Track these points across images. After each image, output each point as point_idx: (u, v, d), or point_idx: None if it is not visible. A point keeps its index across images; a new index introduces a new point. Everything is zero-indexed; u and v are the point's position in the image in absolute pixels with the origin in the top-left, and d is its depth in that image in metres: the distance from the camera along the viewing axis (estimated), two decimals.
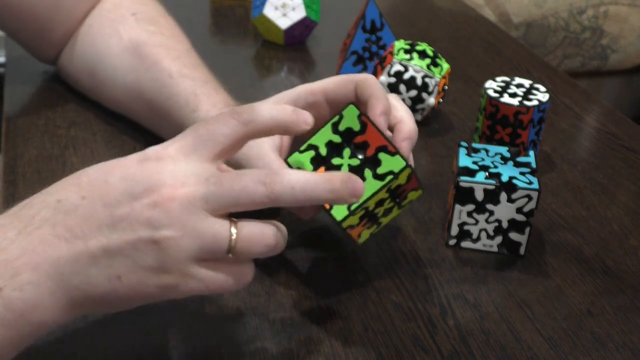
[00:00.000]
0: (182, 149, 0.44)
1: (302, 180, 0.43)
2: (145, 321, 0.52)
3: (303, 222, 0.60)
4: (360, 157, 0.50)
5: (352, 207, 0.49)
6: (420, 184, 0.53)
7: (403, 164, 0.49)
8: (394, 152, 0.49)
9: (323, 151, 0.50)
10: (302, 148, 0.50)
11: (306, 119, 0.46)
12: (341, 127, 0.50)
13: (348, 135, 0.50)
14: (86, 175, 0.44)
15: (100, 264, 0.42)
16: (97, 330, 0.51)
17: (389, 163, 0.49)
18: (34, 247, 0.41)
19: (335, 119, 0.50)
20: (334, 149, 0.50)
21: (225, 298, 0.54)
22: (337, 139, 0.50)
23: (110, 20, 0.74)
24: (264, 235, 0.43)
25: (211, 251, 0.42)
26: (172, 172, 0.43)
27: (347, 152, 0.50)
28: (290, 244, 0.60)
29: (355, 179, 0.44)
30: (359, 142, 0.50)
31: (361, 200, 0.49)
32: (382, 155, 0.49)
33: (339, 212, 0.49)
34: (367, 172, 0.49)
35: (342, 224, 0.49)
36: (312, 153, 0.50)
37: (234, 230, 0.43)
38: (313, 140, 0.50)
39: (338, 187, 0.44)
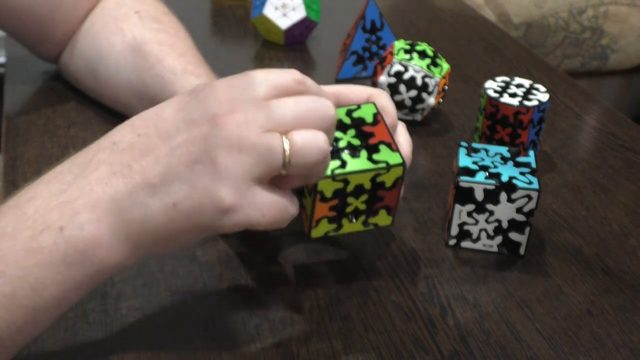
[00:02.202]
0: (241, 83, 0.44)
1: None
2: (145, 321, 0.52)
3: (323, 237, 0.60)
4: (363, 192, 0.50)
5: (335, 172, 0.48)
6: (394, 215, 0.52)
7: (400, 160, 0.49)
8: (394, 149, 0.49)
9: (332, 214, 0.51)
10: (314, 225, 0.51)
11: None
12: (355, 115, 0.51)
13: (358, 123, 0.50)
14: (139, 117, 0.45)
15: (158, 193, 0.43)
16: (96, 326, 0.51)
17: (386, 155, 0.49)
18: (91, 186, 0.43)
19: (353, 107, 0.51)
20: (341, 127, 0.50)
21: (225, 297, 0.54)
22: (347, 120, 0.51)
23: (113, 19, 0.74)
24: (316, 139, 0.43)
25: (267, 165, 0.42)
26: (228, 95, 0.43)
27: (351, 132, 0.50)
28: (290, 244, 0.60)
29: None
30: (366, 131, 0.50)
31: (346, 170, 0.48)
32: (382, 147, 0.50)
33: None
34: (363, 153, 0.49)
35: (317, 186, 0.48)
36: (325, 220, 0.51)
37: (286, 141, 0.43)
38: (316, 216, 0.51)
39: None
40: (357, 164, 0.49)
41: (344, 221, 0.52)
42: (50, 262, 0.42)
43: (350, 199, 0.50)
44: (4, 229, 0.42)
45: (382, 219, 0.52)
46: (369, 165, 0.49)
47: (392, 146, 0.50)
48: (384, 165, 0.49)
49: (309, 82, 0.46)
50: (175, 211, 0.43)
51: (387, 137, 0.50)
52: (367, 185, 0.50)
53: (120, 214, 0.43)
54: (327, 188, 0.49)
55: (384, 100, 0.54)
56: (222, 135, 0.42)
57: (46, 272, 0.42)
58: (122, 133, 0.44)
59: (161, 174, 0.42)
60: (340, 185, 0.49)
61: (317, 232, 0.52)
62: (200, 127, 0.42)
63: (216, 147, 0.42)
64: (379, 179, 0.50)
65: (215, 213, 0.42)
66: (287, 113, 0.43)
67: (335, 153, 0.49)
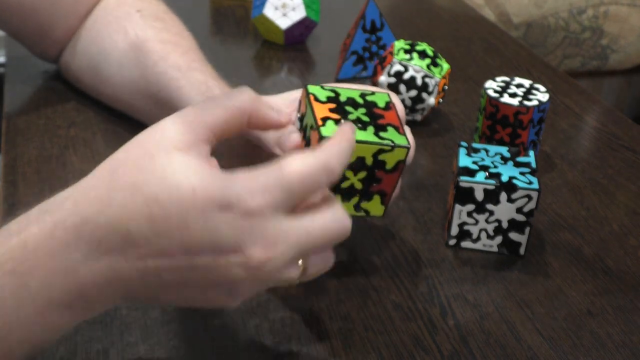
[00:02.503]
0: (272, 203, 0.41)
1: (342, 159, 0.43)
2: (145, 321, 0.52)
3: None
4: (363, 168, 0.50)
5: None
6: (387, 206, 0.51)
7: (405, 142, 0.49)
8: (402, 133, 0.49)
9: (343, 98, 0.50)
10: (326, 87, 0.50)
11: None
12: (368, 98, 0.51)
13: (370, 104, 0.51)
14: (159, 206, 0.40)
15: (171, 291, 0.42)
16: (97, 326, 0.51)
17: (393, 135, 0.49)
18: (104, 273, 0.41)
19: (368, 91, 0.51)
20: (352, 104, 0.50)
21: None
22: (360, 100, 0.51)
23: (115, 17, 0.74)
24: (326, 265, 0.45)
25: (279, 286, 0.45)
26: (262, 232, 0.41)
27: (362, 110, 0.50)
28: None
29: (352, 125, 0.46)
30: (377, 113, 0.50)
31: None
32: (390, 128, 0.49)
33: (328, 130, 0.48)
34: (370, 128, 0.49)
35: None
36: (331, 93, 0.50)
37: (301, 266, 0.44)
38: (338, 89, 0.50)
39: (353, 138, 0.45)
40: (363, 135, 0.48)
41: (337, 198, 0.49)
42: None
43: (348, 173, 0.49)
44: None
45: (375, 206, 0.51)
46: (374, 139, 0.48)
47: (400, 130, 0.50)
48: (389, 142, 0.48)
49: (324, 180, 0.43)
50: (185, 301, 0.44)
51: (396, 122, 0.50)
52: (369, 160, 0.49)
53: (128, 294, 0.43)
54: (320, 94, 0.49)
55: (394, 98, 0.54)
56: (250, 274, 0.41)
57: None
58: (138, 221, 0.40)
59: (178, 282, 0.42)
60: (331, 94, 0.49)
61: None
62: (228, 261, 0.41)
63: (241, 282, 0.42)
64: (380, 157, 0.49)
65: (225, 303, 0.44)
66: (313, 244, 0.43)
67: (338, 118, 0.49)
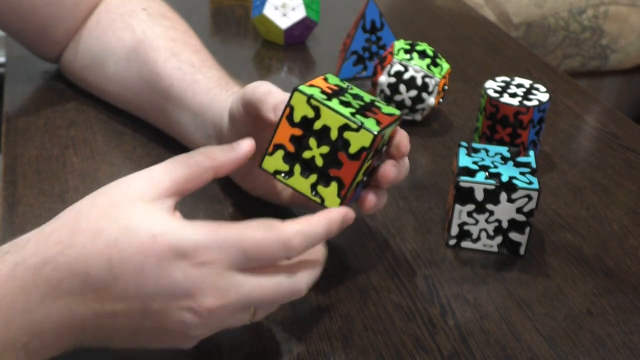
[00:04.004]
0: (224, 261, 0.43)
1: (305, 242, 0.45)
2: None
3: (271, 177, 0.60)
4: (326, 141, 0.49)
5: (315, 96, 0.48)
6: (344, 200, 0.50)
7: (376, 129, 0.48)
8: (380, 126, 0.48)
9: (290, 147, 0.49)
10: (270, 150, 0.50)
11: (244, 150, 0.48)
12: (296, 119, 0.49)
13: (306, 124, 0.49)
14: (118, 249, 0.42)
15: (125, 335, 0.44)
16: None
17: (369, 122, 0.48)
18: (61, 313, 0.42)
19: (287, 111, 0.49)
20: (299, 142, 0.49)
21: None
22: (297, 131, 0.49)
23: (120, 15, 0.74)
24: (274, 308, 0.47)
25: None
26: (214, 283, 0.42)
27: (312, 141, 0.49)
28: None
29: (349, 215, 0.47)
30: (320, 128, 0.49)
31: (324, 102, 0.48)
32: (347, 134, 0.48)
33: (270, 162, 0.50)
34: (350, 109, 0.48)
35: (291, 99, 0.49)
36: (281, 152, 0.50)
37: (251, 316, 0.46)
38: (276, 139, 0.50)
39: (336, 228, 0.46)
40: (337, 106, 0.48)
41: (296, 169, 0.50)
42: None
43: (312, 142, 0.49)
44: None
45: (331, 196, 0.50)
46: (346, 113, 0.48)
47: (381, 125, 0.49)
48: (358, 122, 0.48)
49: (294, 248, 0.45)
50: (138, 342, 0.45)
51: (384, 120, 0.49)
52: (334, 133, 0.48)
53: (84, 335, 0.44)
54: (298, 108, 0.48)
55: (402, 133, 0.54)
56: (202, 320, 0.43)
57: None
58: (97, 265, 0.42)
59: (133, 326, 0.43)
60: (311, 113, 0.48)
61: (268, 164, 0.50)
62: (180, 306, 0.42)
63: (193, 327, 0.43)
64: (346, 134, 0.48)
65: (178, 343, 0.45)
66: (264, 298, 0.44)
67: (333, 94, 0.49)
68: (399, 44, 0.77)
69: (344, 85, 0.52)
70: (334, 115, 0.48)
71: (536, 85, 0.72)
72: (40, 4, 0.74)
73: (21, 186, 0.65)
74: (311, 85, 0.50)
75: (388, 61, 0.75)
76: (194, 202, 0.63)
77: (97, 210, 0.43)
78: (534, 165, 0.60)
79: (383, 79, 0.75)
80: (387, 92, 0.75)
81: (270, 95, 0.52)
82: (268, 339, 0.51)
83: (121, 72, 0.73)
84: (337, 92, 0.50)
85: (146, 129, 0.73)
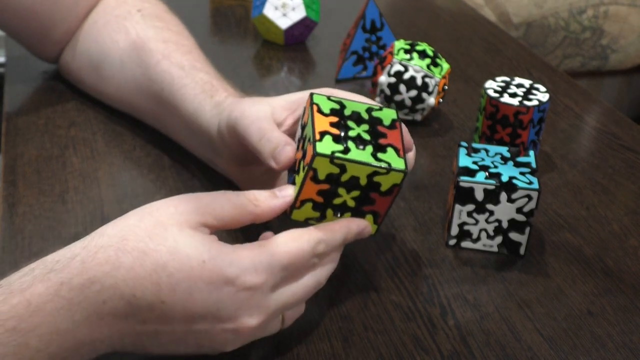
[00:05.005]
0: (268, 282, 0.45)
1: (328, 249, 0.48)
2: None
3: (302, 222, 0.60)
4: (356, 187, 0.48)
5: (336, 154, 0.46)
6: (380, 225, 0.51)
7: (403, 167, 0.47)
8: (401, 156, 0.48)
9: (319, 199, 0.49)
10: (297, 205, 0.49)
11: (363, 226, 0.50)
12: (321, 177, 0.48)
13: (375, 121, 0.50)
14: (167, 274, 0.42)
15: (161, 347, 0.45)
16: None
17: (392, 158, 0.48)
18: (103, 331, 0.42)
19: (375, 107, 0.50)
20: (357, 120, 0.49)
21: None
22: (365, 116, 0.50)
23: (115, 17, 0.74)
24: (301, 310, 0.50)
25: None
26: (258, 305, 0.45)
27: (342, 190, 0.48)
28: None
29: (367, 230, 0.50)
30: (380, 131, 0.49)
31: (346, 156, 0.47)
32: (390, 150, 0.48)
33: (324, 147, 0.47)
34: (369, 148, 0.48)
35: (313, 163, 0.46)
36: (310, 204, 0.49)
37: (282, 321, 0.48)
38: (303, 196, 0.49)
39: (351, 238, 0.49)
40: (360, 155, 0.47)
41: (328, 212, 0.49)
42: None
43: (341, 190, 0.48)
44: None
45: (368, 220, 0.51)
46: (371, 160, 0.47)
47: (400, 153, 0.48)
48: (385, 165, 0.47)
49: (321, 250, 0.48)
50: (172, 352, 0.46)
51: (398, 143, 0.49)
52: (363, 180, 0.48)
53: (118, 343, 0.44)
54: (322, 168, 0.47)
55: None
56: (240, 337, 0.45)
57: None
58: (144, 288, 0.42)
59: (171, 342, 0.44)
60: (335, 170, 0.47)
61: (298, 215, 0.50)
62: (223, 329, 0.44)
63: (232, 344, 0.46)
64: (375, 178, 0.48)
65: (215, 349, 0.47)
66: (297, 303, 0.48)
67: (343, 139, 0.48)
68: (399, 44, 0.77)
69: (336, 105, 0.50)
70: (360, 167, 0.47)
71: (536, 85, 0.72)
72: (40, 3, 0.74)
73: (21, 186, 0.65)
74: (321, 135, 0.48)
75: (388, 61, 0.75)
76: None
77: (143, 230, 0.43)
78: (534, 165, 0.60)
79: (383, 79, 0.75)
80: (387, 92, 0.75)
81: (264, 139, 0.52)
82: (268, 339, 0.51)
83: (116, 75, 0.73)
84: (342, 127, 0.49)
85: (146, 130, 0.73)
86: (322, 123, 0.48)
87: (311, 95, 0.50)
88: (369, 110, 0.50)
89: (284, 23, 0.93)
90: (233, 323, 0.44)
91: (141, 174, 0.68)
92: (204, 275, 0.43)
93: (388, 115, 0.50)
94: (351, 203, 0.49)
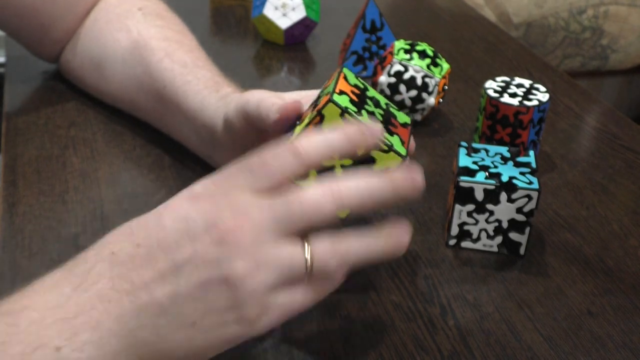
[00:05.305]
0: (238, 185, 0.40)
1: (363, 184, 0.41)
2: None
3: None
4: (384, 121, 0.49)
5: (348, 109, 0.46)
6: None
7: (403, 152, 0.48)
8: (405, 147, 0.49)
9: (370, 94, 0.50)
10: (361, 79, 0.50)
11: (376, 132, 0.43)
12: (391, 109, 0.50)
13: (390, 115, 0.50)
14: (137, 222, 0.41)
15: (169, 313, 0.39)
16: None
17: (396, 142, 0.48)
18: (93, 303, 0.39)
19: (317, 118, 0.47)
20: (375, 103, 0.50)
21: None
22: (383, 104, 0.50)
23: (116, 15, 0.74)
24: (342, 253, 0.41)
25: (289, 278, 0.40)
26: (229, 204, 0.40)
27: (380, 111, 0.49)
28: None
29: (415, 173, 0.42)
30: (392, 121, 0.50)
31: (356, 116, 0.46)
32: (396, 137, 0.49)
33: (340, 99, 0.46)
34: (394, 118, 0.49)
35: (325, 108, 0.46)
36: (361, 85, 0.50)
37: (308, 251, 0.40)
38: (370, 87, 0.51)
39: (399, 184, 0.42)
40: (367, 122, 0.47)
41: (312, 173, 0.47)
42: None
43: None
44: None
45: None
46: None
47: (405, 145, 0.49)
48: (389, 143, 0.47)
49: (312, 153, 0.41)
50: (195, 329, 0.39)
51: (405, 138, 0.50)
52: (382, 104, 0.49)
53: (128, 336, 0.39)
54: (330, 117, 0.46)
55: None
56: (233, 253, 0.39)
57: None
58: (120, 242, 0.40)
59: (171, 294, 0.39)
60: (360, 85, 0.49)
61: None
62: (203, 243, 0.39)
63: (229, 268, 0.39)
64: (373, 153, 0.47)
65: (238, 327, 0.40)
66: (292, 213, 0.40)
67: (358, 104, 0.48)
68: (399, 44, 0.77)
69: (362, 85, 0.51)
70: (378, 94, 0.49)
71: (536, 85, 0.72)
72: (40, 2, 0.74)
73: (21, 186, 0.65)
74: (341, 92, 0.48)
75: (388, 61, 0.75)
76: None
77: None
78: (534, 165, 0.60)
79: (383, 79, 0.75)
80: (387, 92, 0.75)
81: (274, 106, 0.51)
82: (268, 339, 0.51)
83: (118, 73, 0.73)
84: (361, 99, 0.49)
85: (146, 129, 0.73)
86: (345, 87, 0.49)
87: (328, 101, 0.48)
88: (388, 105, 0.52)
89: (284, 23, 0.93)
90: (210, 232, 0.39)
91: (141, 174, 0.68)
92: (169, 204, 0.41)
93: (403, 117, 0.52)
94: (339, 170, 0.48)
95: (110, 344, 0.38)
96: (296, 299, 0.41)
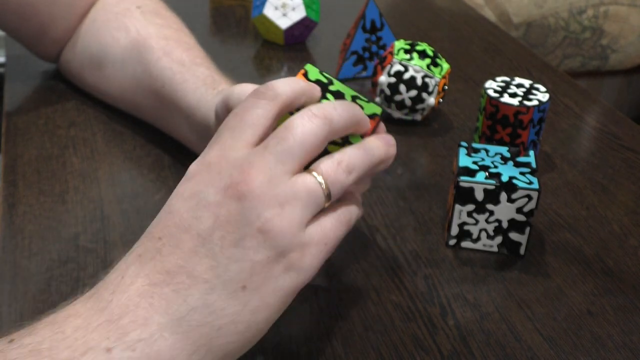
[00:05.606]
0: (224, 146, 0.41)
1: (340, 103, 0.44)
2: None
3: None
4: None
5: (324, 72, 0.48)
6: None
7: (380, 109, 0.49)
8: (367, 100, 0.49)
9: (332, 88, 0.49)
10: (326, 74, 0.50)
11: (317, 88, 0.46)
12: (358, 102, 0.49)
13: (321, 86, 0.49)
14: (152, 224, 0.41)
15: (216, 286, 0.39)
16: None
17: (369, 108, 0.49)
18: (136, 302, 0.38)
19: (363, 97, 0.50)
20: (337, 97, 0.50)
21: None
22: (347, 99, 0.50)
23: (115, 14, 0.74)
24: (347, 163, 0.43)
25: (314, 205, 0.41)
26: (230, 164, 0.40)
27: (330, 97, 0.49)
28: None
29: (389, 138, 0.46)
30: (335, 91, 0.49)
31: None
32: (360, 102, 0.49)
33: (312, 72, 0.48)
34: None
35: (304, 67, 0.48)
36: (324, 80, 0.49)
37: (318, 176, 0.41)
38: (336, 81, 0.50)
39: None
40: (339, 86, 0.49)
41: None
42: None
43: (330, 97, 0.49)
44: (39, 345, 0.36)
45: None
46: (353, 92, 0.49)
47: (366, 135, 0.49)
48: (365, 99, 0.49)
49: (280, 92, 0.43)
50: (247, 292, 0.39)
51: (371, 126, 0.49)
52: (348, 98, 0.49)
53: (181, 324, 0.38)
54: (312, 73, 0.48)
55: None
56: (255, 202, 0.39)
57: None
58: (143, 244, 0.40)
59: (210, 266, 0.38)
60: (324, 79, 0.48)
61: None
62: (222, 205, 0.39)
63: (256, 218, 0.39)
64: (358, 101, 0.48)
65: (291, 273, 0.40)
66: (293, 146, 0.41)
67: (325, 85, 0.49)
68: (399, 44, 0.77)
69: (325, 80, 0.50)
70: (345, 87, 0.48)
71: (536, 85, 0.72)
72: (39, 3, 0.74)
73: (21, 186, 0.65)
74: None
75: (388, 61, 0.75)
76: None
77: None
78: (534, 165, 0.60)
79: (383, 79, 0.75)
80: (387, 92, 0.75)
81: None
82: (268, 339, 0.51)
83: (117, 72, 0.73)
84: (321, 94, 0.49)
85: (146, 129, 0.73)
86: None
87: (306, 64, 0.50)
88: (355, 97, 0.50)
89: (284, 23, 0.93)
90: (223, 195, 0.39)
91: (141, 174, 0.68)
92: (171, 197, 0.41)
93: (371, 108, 0.50)
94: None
95: (164, 338, 0.38)
96: (328, 228, 0.42)
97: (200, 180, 0.40)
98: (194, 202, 0.40)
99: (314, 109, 0.43)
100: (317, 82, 0.49)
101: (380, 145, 0.46)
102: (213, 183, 0.40)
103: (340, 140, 0.47)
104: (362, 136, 0.48)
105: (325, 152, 0.45)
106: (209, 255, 0.39)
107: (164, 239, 0.40)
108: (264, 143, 0.41)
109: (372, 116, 0.50)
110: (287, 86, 0.44)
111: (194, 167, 0.42)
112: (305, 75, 0.49)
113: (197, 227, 0.39)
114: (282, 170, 0.40)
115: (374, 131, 0.49)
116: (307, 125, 0.41)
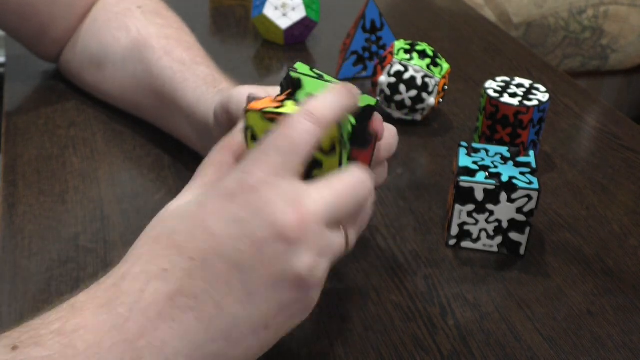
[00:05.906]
0: (272, 170, 0.39)
1: (324, 105, 0.41)
2: None
3: None
4: None
5: (266, 110, 0.42)
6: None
7: (374, 100, 0.46)
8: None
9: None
10: (312, 73, 0.46)
11: (354, 91, 0.44)
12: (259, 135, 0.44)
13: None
14: (176, 232, 0.39)
15: (241, 321, 0.38)
16: None
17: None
18: (155, 325, 0.36)
19: (249, 134, 0.44)
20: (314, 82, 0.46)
21: None
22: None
23: (115, 14, 0.74)
24: (365, 225, 0.45)
25: (336, 258, 0.41)
26: (278, 195, 0.38)
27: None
28: None
29: (354, 90, 0.43)
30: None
31: (278, 110, 0.42)
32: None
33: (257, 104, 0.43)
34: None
35: (247, 122, 0.43)
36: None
37: (345, 235, 0.42)
38: (308, 81, 0.46)
39: (346, 98, 0.42)
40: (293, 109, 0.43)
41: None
42: None
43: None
44: None
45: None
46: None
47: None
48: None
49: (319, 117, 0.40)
50: (268, 330, 0.39)
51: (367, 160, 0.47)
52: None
53: (197, 351, 0.37)
54: (258, 126, 0.43)
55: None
56: (301, 248, 0.38)
57: None
58: (168, 257, 0.38)
59: (241, 301, 0.37)
60: (314, 75, 0.45)
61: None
62: (266, 242, 0.37)
63: (298, 263, 0.38)
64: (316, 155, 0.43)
65: (307, 311, 0.41)
66: (339, 200, 0.40)
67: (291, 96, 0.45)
68: (399, 44, 0.77)
69: (315, 76, 0.46)
70: (336, 82, 0.45)
71: (536, 85, 0.72)
72: (39, 3, 0.74)
73: (21, 186, 0.65)
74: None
75: (388, 61, 0.75)
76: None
77: None
78: (534, 165, 0.60)
79: (383, 79, 0.75)
80: (387, 92, 0.75)
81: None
82: None
83: (118, 72, 0.73)
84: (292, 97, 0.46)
85: (146, 129, 0.73)
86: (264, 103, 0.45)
87: (294, 64, 0.47)
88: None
89: (284, 23, 0.93)
90: (268, 230, 0.37)
91: (141, 174, 0.68)
92: (206, 206, 0.39)
93: (365, 100, 0.46)
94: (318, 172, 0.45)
95: None
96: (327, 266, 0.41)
97: (246, 206, 0.38)
98: (238, 231, 0.37)
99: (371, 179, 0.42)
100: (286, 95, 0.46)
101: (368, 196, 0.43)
102: (262, 215, 0.37)
103: (327, 149, 0.43)
104: (356, 118, 0.45)
105: (313, 160, 0.43)
106: (242, 290, 0.37)
107: (197, 261, 0.37)
108: (315, 184, 0.40)
109: (366, 122, 0.46)
110: (335, 105, 0.41)
111: (232, 182, 0.39)
112: (295, 70, 0.46)
113: (237, 258, 0.37)
114: (327, 222, 0.39)
115: (372, 156, 0.47)
116: (360, 189, 0.41)
